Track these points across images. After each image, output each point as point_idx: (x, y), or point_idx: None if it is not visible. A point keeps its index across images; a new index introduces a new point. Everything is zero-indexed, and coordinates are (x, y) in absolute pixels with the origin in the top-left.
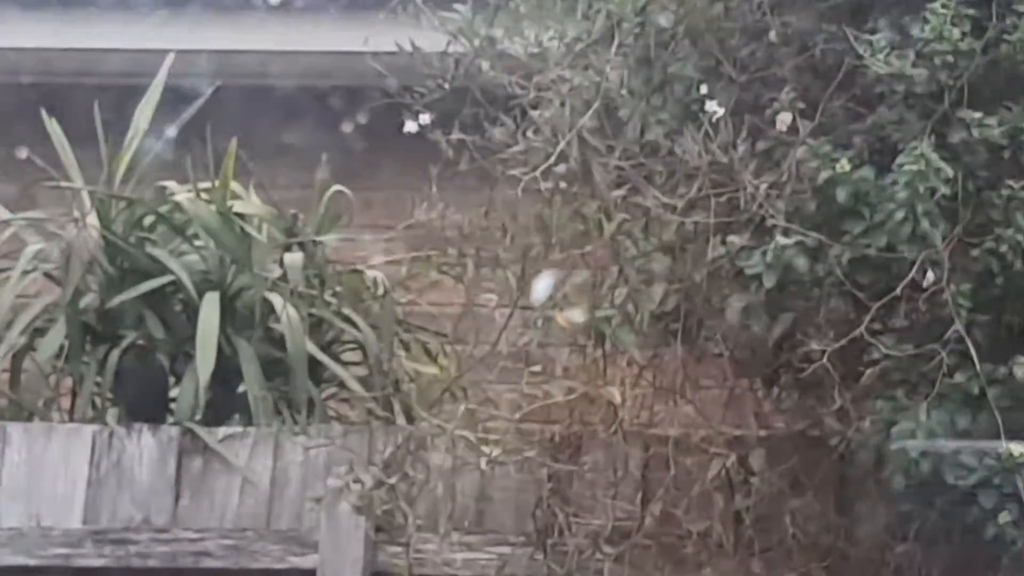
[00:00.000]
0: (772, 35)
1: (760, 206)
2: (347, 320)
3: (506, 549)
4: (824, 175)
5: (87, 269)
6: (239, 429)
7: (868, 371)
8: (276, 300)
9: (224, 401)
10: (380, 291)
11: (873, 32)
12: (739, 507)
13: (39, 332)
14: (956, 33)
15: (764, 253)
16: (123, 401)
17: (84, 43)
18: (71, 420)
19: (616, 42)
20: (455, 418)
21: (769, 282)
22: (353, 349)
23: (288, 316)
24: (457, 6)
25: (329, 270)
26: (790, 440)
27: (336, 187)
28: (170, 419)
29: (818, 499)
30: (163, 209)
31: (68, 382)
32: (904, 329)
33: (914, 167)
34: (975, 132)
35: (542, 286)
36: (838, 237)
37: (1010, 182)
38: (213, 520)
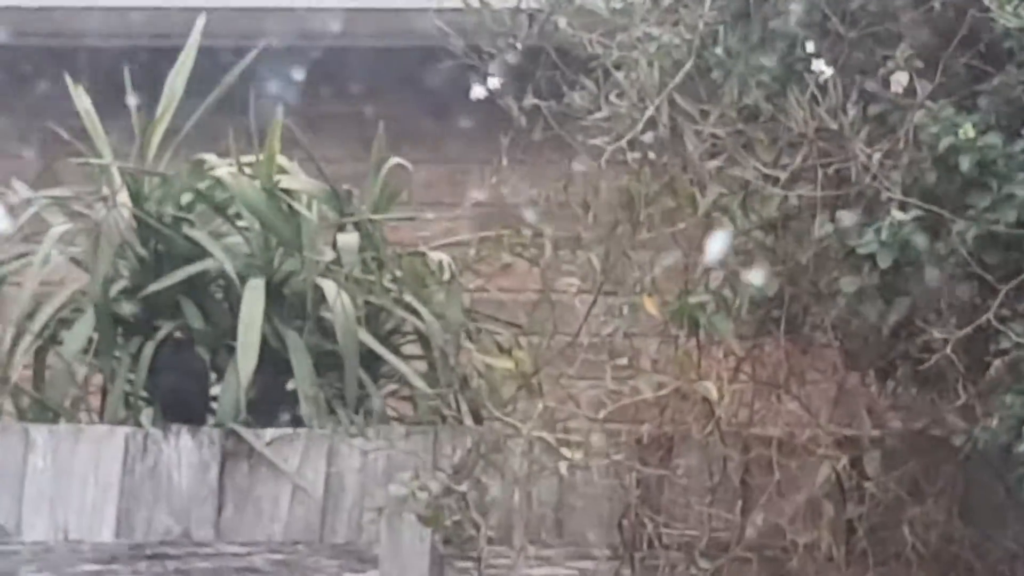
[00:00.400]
0: None
1: (873, 178)
2: (408, 308)
3: (589, 563)
4: (945, 142)
5: (118, 253)
6: (288, 431)
7: (996, 362)
8: (328, 286)
9: (271, 399)
10: (445, 276)
11: None
12: (851, 516)
13: (65, 323)
14: None
15: (878, 230)
16: (159, 400)
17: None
18: (101, 421)
19: None
20: (531, 418)
21: (884, 263)
22: (415, 341)
23: (342, 304)
24: None
25: (388, 253)
26: (908, 440)
27: (395, 160)
28: (211, 420)
29: (940, 506)
30: (202, 186)
31: (98, 379)
32: None
33: None
34: None
35: (716, 247)
36: (962, 212)
37: None
38: (260, 532)
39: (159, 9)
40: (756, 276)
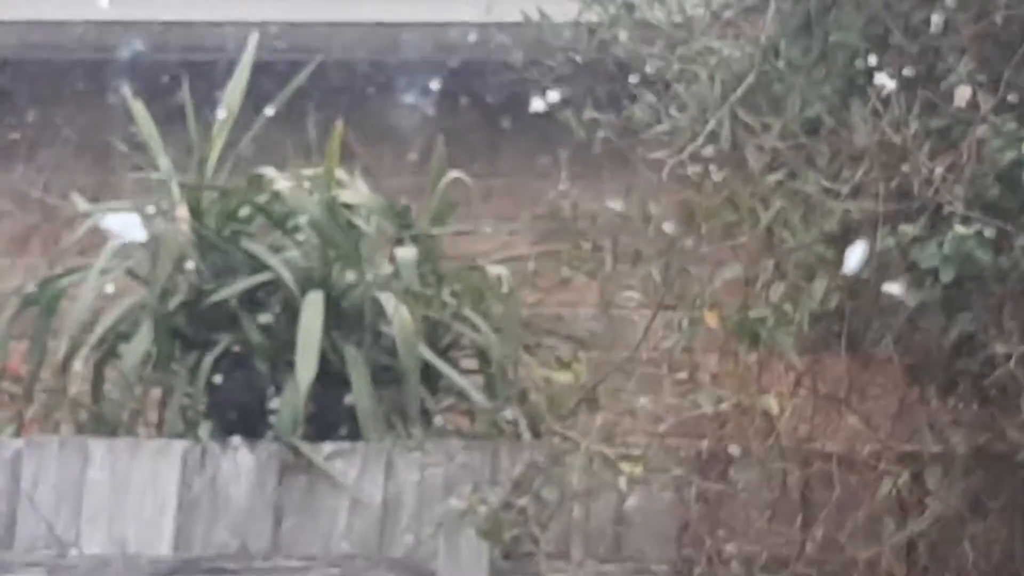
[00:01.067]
0: None
1: (935, 191)
2: (466, 322)
3: None
4: (1008, 156)
5: (176, 267)
6: (346, 445)
7: None
8: (387, 300)
9: (329, 413)
10: (503, 290)
11: None
12: (912, 532)
13: (123, 337)
14: None
15: (940, 244)
16: (217, 414)
17: (169, 15)
18: (159, 435)
19: (772, 7)
20: (590, 432)
21: (946, 277)
22: (473, 355)
23: (400, 318)
24: None
25: (446, 266)
26: (970, 456)
27: (453, 173)
28: (269, 434)
29: (1001, 522)
30: (260, 199)
31: (155, 393)
32: None
33: None
34: None
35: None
36: None
37: None
38: (318, 547)
39: (217, 24)
40: (817, 290)
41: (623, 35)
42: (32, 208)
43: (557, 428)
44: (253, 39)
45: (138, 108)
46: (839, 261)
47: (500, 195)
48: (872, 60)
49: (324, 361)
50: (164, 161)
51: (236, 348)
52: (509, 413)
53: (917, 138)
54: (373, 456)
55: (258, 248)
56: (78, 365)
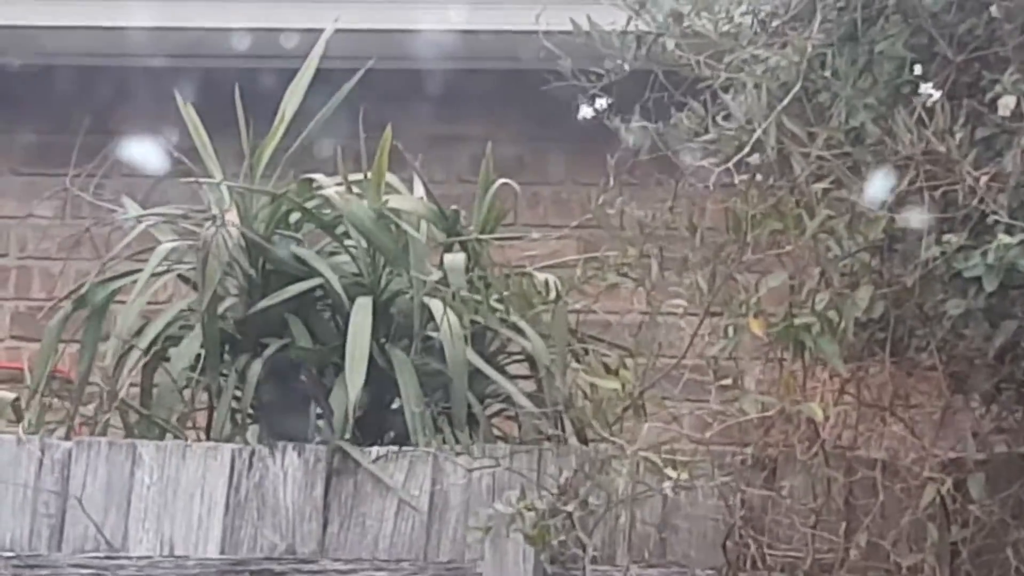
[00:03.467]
0: (994, 9)
1: (980, 200)
2: (514, 328)
3: None
4: None
5: (226, 271)
6: (394, 448)
7: None
8: (435, 306)
9: (377, 417)
10: (551, 296)
11: None
12: (955, 539)
13: (172, 340)
14: None
15: (984, 253)
16: (265, 417)
17: (221, 22)
18: (208, 438)
19: (818, 17)
20: (636, 438)
21: (990, 286)
22: (521, 361)
23: (449, 324)
24: None
25: (494, 272)
26: (1013, 463)
27: (502, 180)
28: (317, 437)
29: None
30: (310, 205)
31: (204, 396)
32: None
33: None
34: None
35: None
36: None
37: None
38: (365, 550)
39: (270, 30)
40: (862, 298)
41: (671, 44)
42: (83, 212)
43: (604, 434)
44: (318, 46)
45: (190, 113)
46: (884, 269)
47: (548, 202)
48: (917, 70)
49: (372, 366)
50: (215, 166)
51: (285, 352)
52: (556, 419)
53: (962, 147)
54: (420, 460)
55: (308, 253)
56: (128, 368)
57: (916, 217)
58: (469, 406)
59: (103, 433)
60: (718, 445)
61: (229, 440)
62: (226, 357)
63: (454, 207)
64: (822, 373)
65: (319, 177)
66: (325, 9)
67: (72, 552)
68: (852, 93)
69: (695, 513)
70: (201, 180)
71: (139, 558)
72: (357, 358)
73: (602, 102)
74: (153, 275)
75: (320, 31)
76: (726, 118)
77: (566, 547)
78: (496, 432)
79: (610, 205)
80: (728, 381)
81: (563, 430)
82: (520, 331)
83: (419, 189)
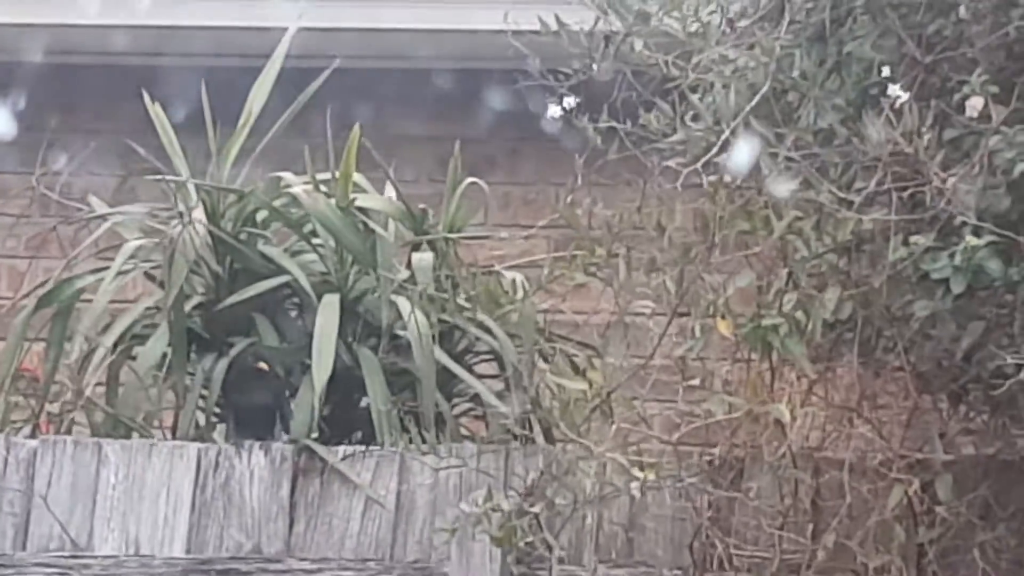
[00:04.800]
0: (962, 10)
1: (948, 202)
2: (482, 327)
3: None
4: (1020, 167)
5: (192, 269)
6: (361, 448)
7: None
8: (403, 304)
9: (344, 416)
10: (519, 296)
11: None
12: (922, 539)
13: (139, 339)
14: None
15: (952, 255)
16: (232, 416)
17: (187, 20)
18: (174, 437)
19: (787, 18)
20: (604, 438)
21: (957, 287)
22: (488, 360)
23: (416, 322)
24: None
25: (462, 272)
26: (980, 465)
27: (471, 180)
28: (284, 436)
29: (1011, 531)
30: (277, 203)
31: (171, 395)
32: None
33: None
34: None
35: None
36: None
37: None
38: (331, 549)
39: (235, 29)
40: (829, 299)
41: (639, 44)
42: (50, 210)
43: (571, 435)
44: (282, 44)
45: (157, 112)
46: (852, 271)
47: (516, 202)
48: (886, 71)
49: (339, 364)
50: (182, 164)
51: (252, 351)
52: (523, 419)
53: (930, 149)
54: (387, 460)
55: (275, 251)
56: (94, 367)
57: (883, 218)
58: (436, 405)
59: (69, 432)
60: (685, 446)
61: (195, 439)
62: (193, 356)
63: (422, 206)
64: (790, 374)
65: (287, 175)
66: (293, 7)
67: (37, 551)
68: (820, 94)
69: (662, 513)
70: (168, 178)
71: (104, 557)
72: (323, 356)
73: (571, 101)
74: (119, 273)
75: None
76: (694, 118)
77: (533, 547)
78: (463, 432)
79: (579, 205)
80: (696, 382)
81: (530, 430)
82: (488, 330)
83: (389, 188)
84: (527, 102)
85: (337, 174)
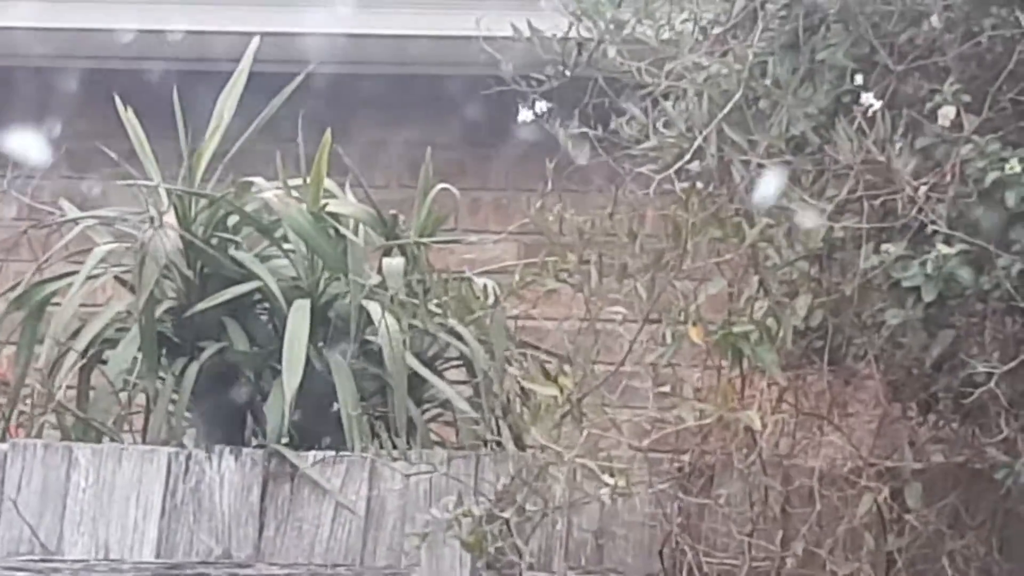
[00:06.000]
0: (934, 19)
1: (919, 210)
2: (453, 333)
3: None
4: (991, 176)
5: (163, 273)
6: (331, 453)
7: None
8: (373, 309)
9: (314, 422)
10: (490, 301)
11: None
12: (891, 548)
13: (109, 343)
14: None
15: (923, 263)
16: (202, 421)
17: (160, 24)
18: (144, 441)
19: (760, 26)
20: (574, 444)
21: (928, 296)
22: (459, 365)
23: (387, 327)
24: None
25: (433, 277)
26: (949, 473)
27: (441, 185)
28: (254, 441)
29: (980, 539)
30: (249, 208)
31: (141, 399)
32: None
33: None
34: None
35: None
36: (1007, 247)
37: None
38: (301, 554)
39: (207, 33)
40: (800, 307)
41: (612, 51)
42: (21, 213)
43: (541, 440)
44: (251, 49)
45: (129, 117)
46: (823, 278)
47: (488, 207)
48: (858, 79)
49: (310, 370)
50: (153, 168)
51: (222, 356)
52: (494, 424)
53: (902, 157)
54: (357, 465)
55: (246, 256)
56: (64, 370)
57: (855, 226)
58: (407, 411)
59: (39, 435)
60: (656, 452)
61: (166, 443)
62: (163, 360)
63: (393, 211)
64: (760, 381)
65: (258, 180)
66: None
67: (6, 555)
68: (793, 102)
69: (632, 520)
70: (139, 183)
71: (74, 561)
72: (294, 361)
73: (543, 106)
74: (90, 277)
75: (267, 34)
76: (667, 125)
77: (503, 553)
78: (434, 437)
79: (550, 211)
80: (667, 388)
81: (501, 436)
82: (458, 336)
83: (348, 194)
84: (498, 108)
85: (308, 179)
